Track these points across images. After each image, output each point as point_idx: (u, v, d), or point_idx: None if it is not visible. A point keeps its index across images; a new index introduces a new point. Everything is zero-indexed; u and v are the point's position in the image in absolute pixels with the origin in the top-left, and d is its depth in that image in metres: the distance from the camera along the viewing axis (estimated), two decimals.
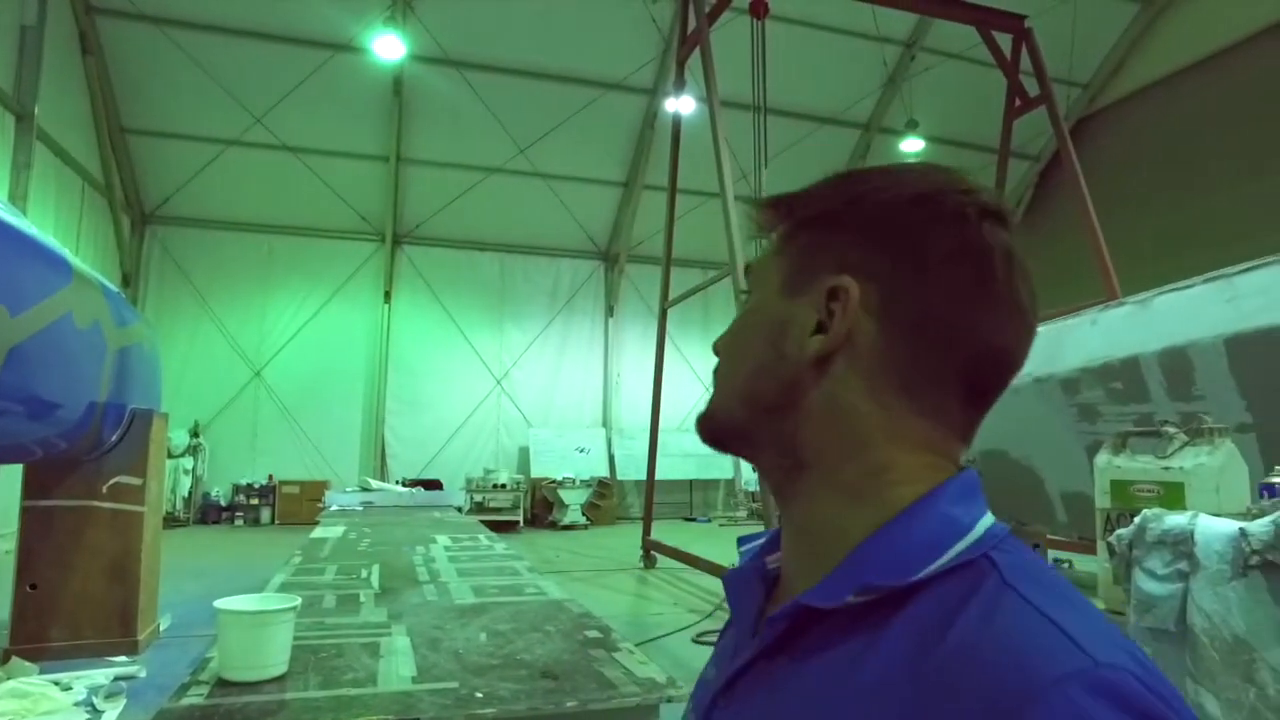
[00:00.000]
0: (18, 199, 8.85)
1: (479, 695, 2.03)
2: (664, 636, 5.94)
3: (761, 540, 0.69)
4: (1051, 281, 11.17)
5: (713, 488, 15.69)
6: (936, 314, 0.57)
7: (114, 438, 4.92)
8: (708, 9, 8.57)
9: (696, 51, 8.61)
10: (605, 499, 13.97)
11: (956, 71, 13.52)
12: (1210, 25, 12.24)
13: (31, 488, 4.82)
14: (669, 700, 2.05)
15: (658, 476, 10.35)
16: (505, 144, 13.20)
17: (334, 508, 7.88)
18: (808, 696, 0.53)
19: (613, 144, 14.02)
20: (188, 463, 12.75)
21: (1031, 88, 10.35)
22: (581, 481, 13.56)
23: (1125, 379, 4.49)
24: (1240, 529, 2.30)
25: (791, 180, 0.68)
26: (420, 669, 2.25)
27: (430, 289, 14.44)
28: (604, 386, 15.54)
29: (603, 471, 14.50)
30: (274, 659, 2.14)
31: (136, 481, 5.02)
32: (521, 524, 12.97)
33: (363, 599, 3.23)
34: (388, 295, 14.13)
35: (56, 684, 4.12)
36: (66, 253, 4.06)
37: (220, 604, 2.15)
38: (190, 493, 12.85)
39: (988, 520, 0.55)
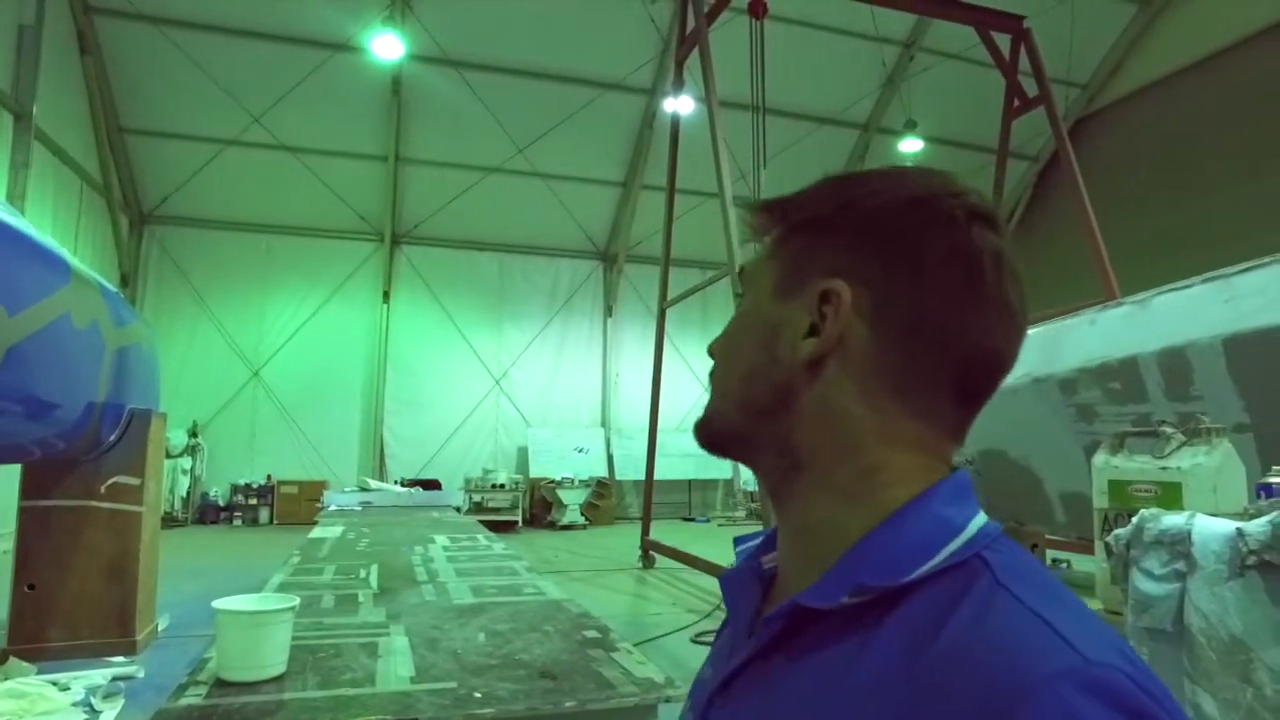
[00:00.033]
0: (16, 199, 8.84)
1: (477, 695, 2.03)
2: (662, 636, 5.94)
3: (757, 540, 0.70)
4: (1050, 281, 11.25)
5: (711, 488, 15.70)
6: (929, 317, 0.57)
7: (112, 438, 4.92)
8: (706, 9, 8.58)
9: (695, 51, 8.61)
10: (604, 499, 13.97)
11: (955, 72, 13.53)
12: (1208, 26, 12.25)
13: (29, 488, 4.82)
14: (667, 700, 2.05)
15: (656, 476, 10.36)
16: (504, 144, 13.20)
17: (332, 508, 7.88)
18: (803, 696, 0.54)
19: (611, 144, 14.02)
20: (186, 463, 12.75)
21: (1030, 88, 10.36)
22: (580, 481, 13.56)
23: (1123, 379, 4.49)
24: (1237, 529, 2.30)
25: (790, 180, 0.68)
26: (419, 669, 2.25)
27: (429, 289, 14.44)
28: (603, 386, 15.55)
29: (601, 471, 14.50)
30: (272, 659, 2.14)
31: (135, 481, 5.02)
32: (520, 524, 12.97)
33: (361, 599, 3.22)
34: (386, 295, 14.13)
35: (54, 684, 4.11)
36: (65, 252, 4.05)
37: (218, 604, 2.15)
38: (189, 493, 12.84)
39: (980, 520, 0.55)
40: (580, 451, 14.61)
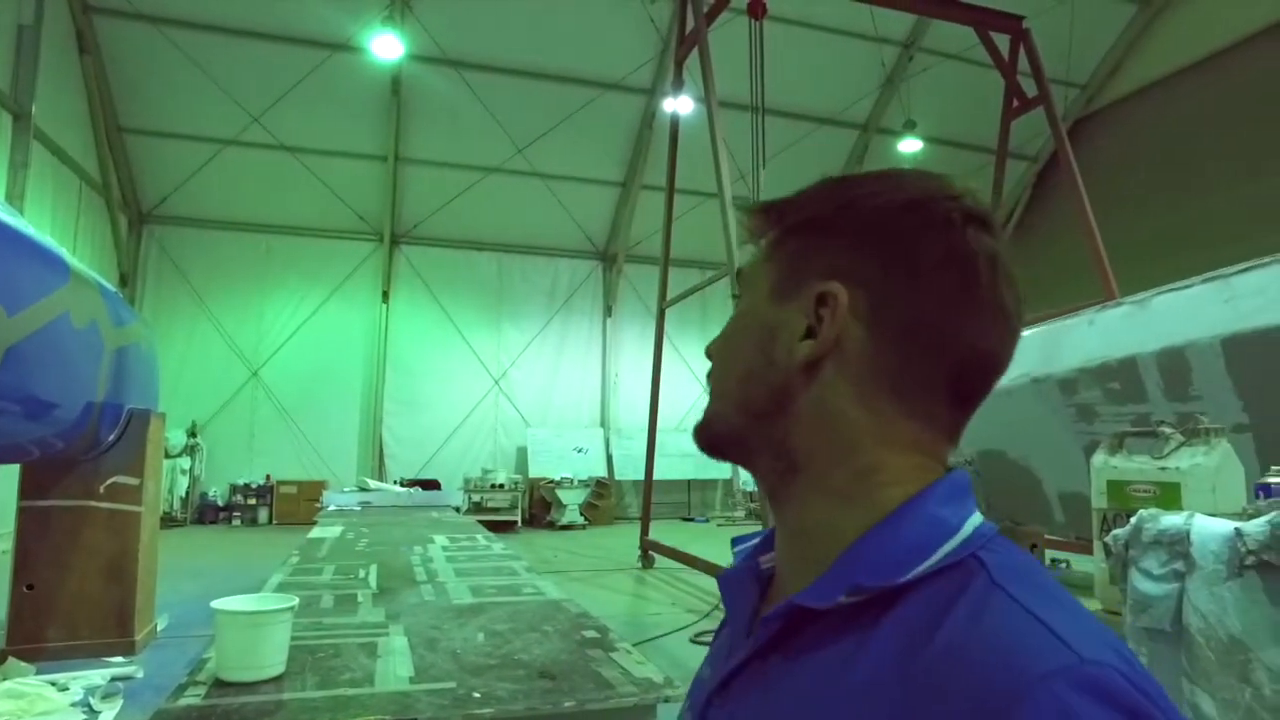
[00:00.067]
0: (15, 198, 8.84)
1: (476, 695, 2.03)
2: (662, 636, 5.94)
3: (755, 541, 0.70)
4: (1049, 282, 11.24)
5: (710, 488, 15.71)
6: (925, 320, 0.57)
7: (111, 438, 4.92)
8: (706, 9, 8.58)
9: (695, 52, 8.61)
10: (603, 499, 13.97)
11: (954, 72, 13.53)
12: (1208, 26, 12.25)
13: (28, 488, 4.81)
14: (666, 700, 2.05)
15: (656, 476, 10.36)
16: (503, 144, 13.20)
17: (331, 508, 7.87)
18: (801, 696, 0.54)
19: (611, 144, 14.02)
20: (185, 463, 12.74)
21: (1029, 88, 10.37)
22: (579, 481, 13.56)
23: (1123, 379, 4.50)
24: (1236, 529, 2.30)
25: (789, 181, 0.69)
26: (418, 669, 2.25)
27: (428, 289, 14.44)
28: (602, 386, 15.55)
29: (600, 471, 14.50)
30: (271, 659, 2.14)
31: (134, 481, 5.02)
32: (519, 524, 12.96)
33: (360, 599, 3.22)
34: (385, 295, 14.12)
35: (53, 684, 4.11)
36: (64, 252, 4.05)
37: (217, 604, 2.15)
38: (188, 493, 12.84)
39: (976, 520, 0.56)
40: (579, 451, 14.61)
